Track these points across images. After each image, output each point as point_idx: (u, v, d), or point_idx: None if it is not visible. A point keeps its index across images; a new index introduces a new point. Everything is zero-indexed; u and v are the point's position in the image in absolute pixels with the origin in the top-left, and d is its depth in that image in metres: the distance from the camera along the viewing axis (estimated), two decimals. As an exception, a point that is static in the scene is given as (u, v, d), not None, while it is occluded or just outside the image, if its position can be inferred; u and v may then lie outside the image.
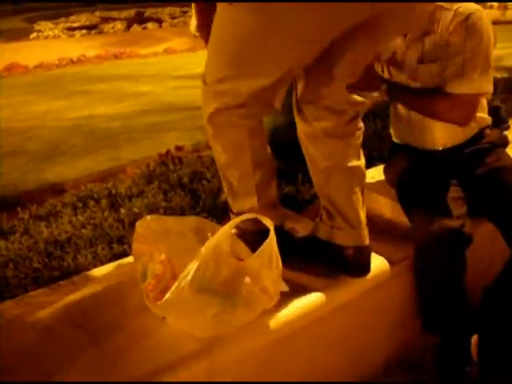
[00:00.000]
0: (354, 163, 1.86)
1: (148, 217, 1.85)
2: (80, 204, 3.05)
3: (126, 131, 6.21)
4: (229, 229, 1.67)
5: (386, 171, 2.57)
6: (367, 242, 1.92)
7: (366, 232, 1.92)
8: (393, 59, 2.19)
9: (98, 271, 2.18)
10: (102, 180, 4.63)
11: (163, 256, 1.72)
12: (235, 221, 1.69)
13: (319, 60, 1.67)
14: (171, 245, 1.75)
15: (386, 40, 1.81)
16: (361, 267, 1.96)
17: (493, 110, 2.39)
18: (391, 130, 2.51)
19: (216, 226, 1.82)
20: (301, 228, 2.17)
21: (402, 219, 2.27)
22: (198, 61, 11.49)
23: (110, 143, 5.78)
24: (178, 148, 4.93)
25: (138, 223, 1.84)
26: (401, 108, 2.33)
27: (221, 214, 2.77)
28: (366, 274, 1.96)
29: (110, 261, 2.47)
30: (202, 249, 1.61)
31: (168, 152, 4.80)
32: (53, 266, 2.45)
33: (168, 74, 10.34)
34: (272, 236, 1.63)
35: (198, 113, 6.14)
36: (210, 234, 1.71)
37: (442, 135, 2.28)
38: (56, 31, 22.05)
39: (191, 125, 6.15)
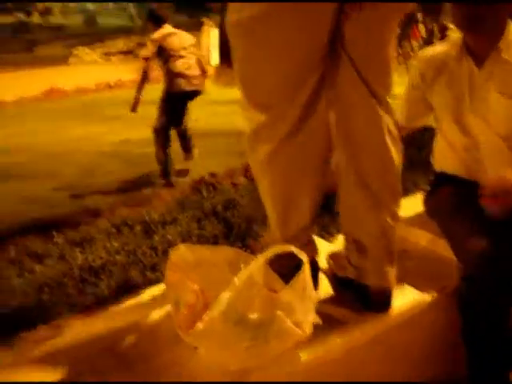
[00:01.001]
0: None
1: (181, 245, 1.86)
2: (114, 230, 3.10)
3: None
4: (262, 259, 1.67)
5: (426, 202, 2.50)
6: (392, 281, 1.90)
7: (392, 270, 1.90)
8: None
9: (132, 298, 2.20)
10: (138, 205, 4.70)
11: (196, 286, 1.73)
12: (269, 252, 1.69)
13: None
14: (204, 274, 1.75)
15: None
16: (382, 304, 1.94)
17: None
18: (434, 159, 2.44)
19: (249, 257, 1.82)
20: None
21: (440, 251, 2.24)
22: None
23: (146, 168, 5.87)
24: (212, 174, 4.98)
25: (171, 251, 1.86)
26: (456, 138, 2.25)
27: (254, 243, 2.78)
28: (386, 311, 1.94)
29: (142, 288, 2.49)
30: (235, 279, 1.61)
31: (202, 178, 4.86)
32: (86, 292, 2.48)
33: (206, 99, 10.47)
34: (306, 268, 1.63)
35: (233, 139, 6.20)
36: (242, 265, 1.71)
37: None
38: (93, 56, 22.59)
39: (226, 150, 6.22)
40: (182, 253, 1.84)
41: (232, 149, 6.26)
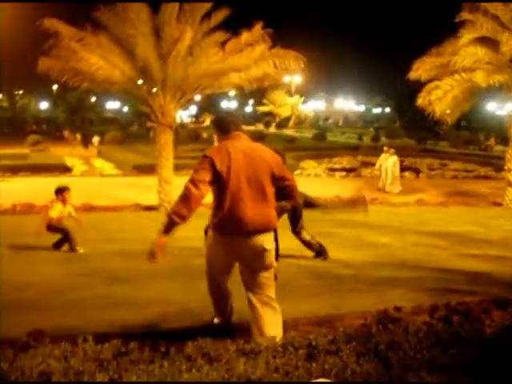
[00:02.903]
0: None
1: (322, 380, 1.98)
2: (280, 348, 3.28)
3: (354, 280, 6.43)
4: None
5: None
6: None
7: None
8: None
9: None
10: (319, 325, 4.85)
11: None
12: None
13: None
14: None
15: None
16: None
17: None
18: None
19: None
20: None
21: None
22: (445, 218, 11.51)
23: (336, 290, 6.03)
24: (397, 308, 4.96)
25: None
26: None
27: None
28: None
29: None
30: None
31: (385, 311, 4.87)
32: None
33: (412, 228, 10.46)
34: None
35: (430, 274, 6.19)
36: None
37: None
38: (318, 170, 23.86)
39: (418, 285, 6.14)
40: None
41: (425, 285, 6.17)
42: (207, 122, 61.26)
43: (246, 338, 3.77)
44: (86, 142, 36.67)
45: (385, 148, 19.48)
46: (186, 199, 3.95)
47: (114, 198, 13.81)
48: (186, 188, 3.97)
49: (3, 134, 46.72)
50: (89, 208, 12.20)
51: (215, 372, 3.02)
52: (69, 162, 25.06)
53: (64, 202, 8.07)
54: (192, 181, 3.96)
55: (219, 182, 4.03)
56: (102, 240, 8.64)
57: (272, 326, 4.07)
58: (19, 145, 34.85)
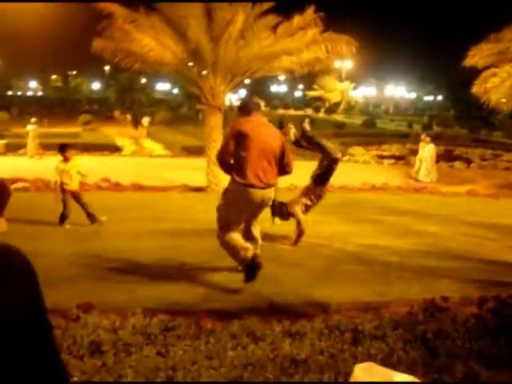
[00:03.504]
0: None
1: (368, 364, 1.98)
2: (326, 331, 3.28)
3: (400, 268, 6.37)
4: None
5: None
6: None
7: None
8: None
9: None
10: (364, 311, 4.83)
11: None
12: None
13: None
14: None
15: None
16: None
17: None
18: None
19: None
20: None
21: None
22: (496, 210, 11.23)
23: (382, 277, 5.99)
24: (444, 298, 4.89)
25: (357, 366, 1.99)
26: None
27: (451, 379, 2.70)
28: None
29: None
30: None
31: (433, 300, 4.81)
32: (282, 381, 2.70)
33: (461, 218, 10.25)
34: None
35: (478, 265, 6.07)
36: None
37: None
38: (367, 157, 23.57)
39: (465, 276, 6.04)
40: (366, 369, 1.96)
41: (473, 276, 6.06)
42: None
43: (292, 319, 3.79)
44: (136, 122, 37.15)
45: (422, 136, 19.03)
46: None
47: (163, 178, 13.98)
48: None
49: (56, 114, 47.79)
50: (138, 188, 12.40)
51: (260, 351, 3.05)
52: (119, 141, 25.43)
53: (66, 159, 8.21)
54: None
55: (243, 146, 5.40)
56: (150, 219, 8.79)
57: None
58: (71, 124, 35.59)
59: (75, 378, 2.96)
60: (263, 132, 5.54)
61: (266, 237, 7.56)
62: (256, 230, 5.88)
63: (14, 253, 1.57)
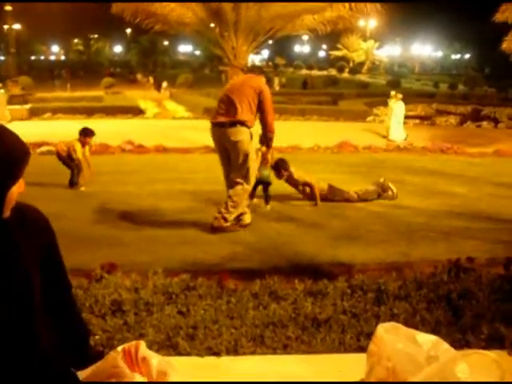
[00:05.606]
0: None
1: (391, 323, 1.94)
2: (349, 291, 3.24)
3: (425, 228, 6.26)
4: (459, 356, 1.66)
5: None
6: None
7: None
8: None
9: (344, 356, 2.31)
10: (387, 271, 4.76)
11: (390, 364, 1.79)
12: (469, 352, 1.67)
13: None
14: (401, 356, 1.80)
15: None
16: None
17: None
18: None
19: (452, 352, 1.81)
20: None
21: None
22: (523, 169, 10.73)
23: (407, 237, 5.90)
24: (470, 259, 4.80)
25: (380, 325, 1.94)
26: None
27: (475, 339, 2.64)
28: None
29: (355, 350, 2.59)
30: (428, 369, 1.64)
31: (458, 260, 4.72)
32: (304, 340, 2.67)
33: (488, 179, 10.03)
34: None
35: (506, 226, 5.92)
36: (440, 354, 1.72)
37: None
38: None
39: (493, 237, 5.92)
40: (389, 329, 1.91)
41: (500, 237, 5.94)
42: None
43: (314, 279, 3.75)
44: (159, 85, 37.06)
45: (392, 93, 18.25)
46: None
47: (186, 140, 13.92)
48: None
49: (79, 77, 47.85)
50: (161, 149, 12.38)
51: (282, 310, 3.02)
52: (142, 104, 25.41)
53: (83, 144, 8.12)
54: None
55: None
56: (174, 180, 8.78)
57: None
58: (94, 87, 35.62)
59: (97, 337, 2.97)
60: (240, 80, 6.25)
61: (285, 197, 7.55)
62: (235, 182, 5.87)
63: (31, 210, 1.60)
